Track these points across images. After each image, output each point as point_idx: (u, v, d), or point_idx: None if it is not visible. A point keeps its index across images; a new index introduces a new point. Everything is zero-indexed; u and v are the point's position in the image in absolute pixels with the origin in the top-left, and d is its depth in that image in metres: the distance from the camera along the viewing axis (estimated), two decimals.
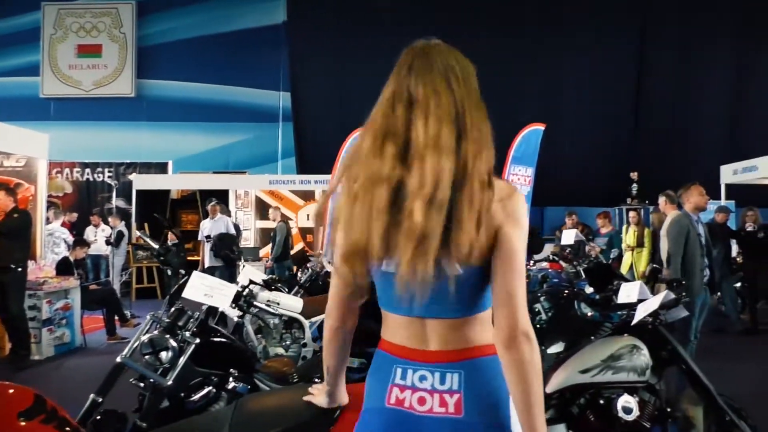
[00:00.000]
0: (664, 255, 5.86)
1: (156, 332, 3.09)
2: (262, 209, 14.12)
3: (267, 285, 4.80)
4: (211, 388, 3.32)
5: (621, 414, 3.12)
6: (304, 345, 5.48)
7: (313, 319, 5.58)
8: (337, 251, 1.56)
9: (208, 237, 9.78)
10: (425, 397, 1.50)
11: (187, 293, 3.07)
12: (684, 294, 3.38)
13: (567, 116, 15.70)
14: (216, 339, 3.33)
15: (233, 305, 3.28)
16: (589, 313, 4.82)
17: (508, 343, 1.42)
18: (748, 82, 15.53)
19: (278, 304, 5.46)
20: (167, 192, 14.19)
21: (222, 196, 13.07)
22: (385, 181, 1.43)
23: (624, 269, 8.45)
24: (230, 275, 8.07)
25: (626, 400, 3.15)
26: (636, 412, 3.13)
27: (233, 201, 13.49)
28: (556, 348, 4.39)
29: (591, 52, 15.84)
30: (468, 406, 1.47)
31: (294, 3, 17.30)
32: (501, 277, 1.44)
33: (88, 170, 14.90)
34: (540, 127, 10.14)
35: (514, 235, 1.45)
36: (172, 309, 3.11)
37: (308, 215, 13.98)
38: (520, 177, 10.12)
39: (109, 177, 14.45)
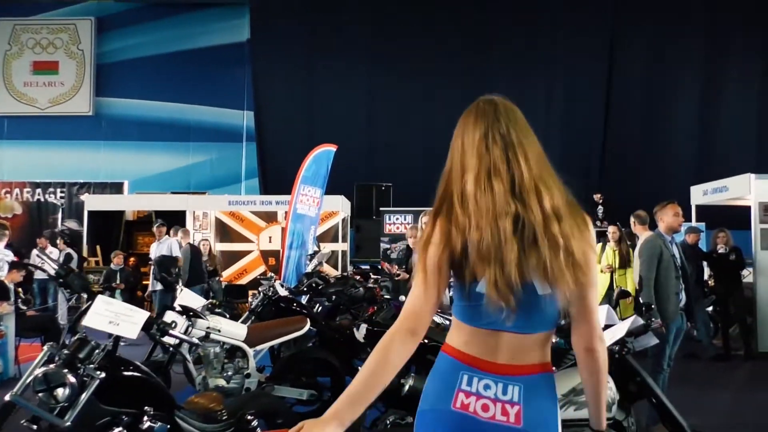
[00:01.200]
0: (637, 278, 5.60)
1: (52, 366, 2.68)
2: (223, 232, 13.68)
3: (184, 311, 4.39)
4: (120, 429, 2.92)
5: None
6: (248, 376, 5.07)
7: (258, 348, 5.18)
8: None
9: (150, 260, 9.35)
10: (488, 404, 1.66)
11: (88, 320, 2.68)
12: (653, 319, 3.07)
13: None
14: (127, 373, 2.92)
15: (145, 333, 2.89)
16: (553, 340, 4.48)
17: (590, 348, 1.73)
18: (716, 102, 15.57)
19: (219, 331, 5.05)
20: (122, 213, 13.68)
21: (180, 218, 12.63)
22: (505, 214, 1.62)
23: (600, 293, 7.86)
24: (172, 300, 7.64)
25: None
26: None
27: (191, 223, 13.01)
28: None
29: (559, 69, 15.81)
30: (527, 418, 1.65)
31: (258, 21, 17.03)
32: (583, 295, 1.69)
33: (39, 190, 14.31)
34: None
35: (593, 260, 1.71)
36: (73, 339, 2.72)
37: (270, 237, 13.55)
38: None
39: (61, 197, 13.90)
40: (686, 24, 15.69)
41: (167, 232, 10.15)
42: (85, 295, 2.79)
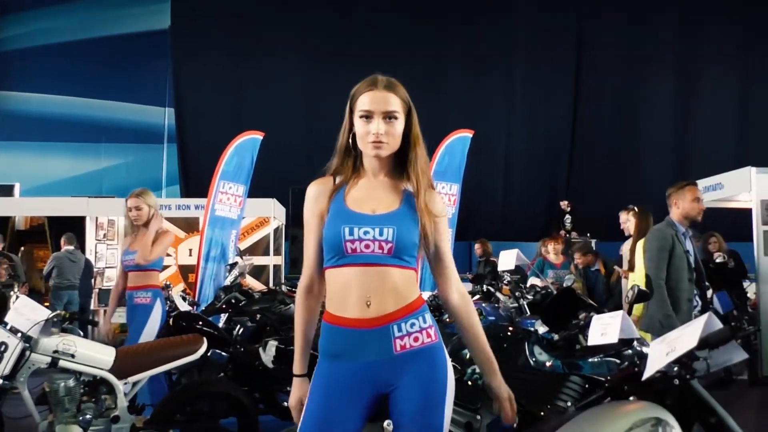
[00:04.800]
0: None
1: None
2: None
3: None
4: None
5: None
6: (116, 420, 3.77)
7: (132, 379, 3.88)
8: None
9: None
10: None
11: None
12: (744, 323, 1.95)
13: (494, 140, 14.67)
14: None
15: None
16: (548, 363, 3.35)
17: None
18: (690, 99, 14.97)
19: (72, 356, 3.76)
20: (8, 220, 12.06)
21: (79, 226, 11.21)
22: None
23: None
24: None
25: None
26: None
27: (92, 232, 11.54)
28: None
29: (522, 67, 15.01)
30: None
31: (180, 5, 15.73)
32: None
33: None
34: (467, 134, 8.87)
35: None
36: None
37: (191, 249, 12.11)
38: (444, 196, 8.76)
39: None
40: (658, 14, 15.10)
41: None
42: None
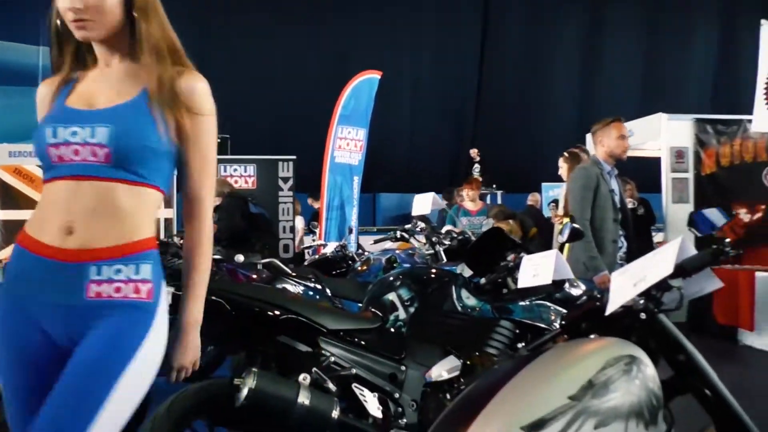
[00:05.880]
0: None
1: None
2: (6, 195, 11.25)
3: None
4: None
5: None
6: None
7: None
8: None
9: None
10: None
11: None
12: (726, 247, 1.76)
13: (400, 85, 14.43)
14: None
15: None
16: (477, 307, 3.15)
17: None
18: (597, 49, 15.23)
19: None
20: None
21: None
22: None
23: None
24: None
25: None
26: None
27: None
28: (438, 371, 2.67)
29: (432, 8, 14.80)
30: None
31: None
32: None
33: None
34: (375, 76, 8.57)
35: None
36: None
37: None
38: (350, 141, 8.50)
39: None
40: None
41: None
42: None
